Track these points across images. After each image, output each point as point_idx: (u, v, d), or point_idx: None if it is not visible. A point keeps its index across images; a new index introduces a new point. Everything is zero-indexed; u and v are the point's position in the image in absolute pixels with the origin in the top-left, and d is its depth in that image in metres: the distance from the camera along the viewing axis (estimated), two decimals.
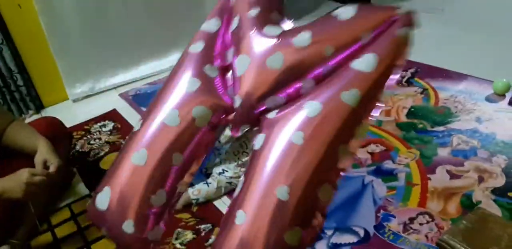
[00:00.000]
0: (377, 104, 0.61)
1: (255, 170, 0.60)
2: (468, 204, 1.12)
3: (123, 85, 2.02)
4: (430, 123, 1.46)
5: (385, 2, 2.55)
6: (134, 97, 1.92)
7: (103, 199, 0.66)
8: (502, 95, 1.53)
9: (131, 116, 1.72)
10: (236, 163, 1.20)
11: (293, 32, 0.63)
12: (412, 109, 1.54)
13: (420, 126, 1.45)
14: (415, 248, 1.02)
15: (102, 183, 0.68)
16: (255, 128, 0.68)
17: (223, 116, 0.67)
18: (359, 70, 0.60)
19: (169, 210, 0.67)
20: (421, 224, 1.08)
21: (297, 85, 0.62)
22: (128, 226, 0.65)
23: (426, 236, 1.04)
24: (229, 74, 0.70)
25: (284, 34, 0.64)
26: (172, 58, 2.14)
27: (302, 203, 0.57)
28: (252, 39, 0.65)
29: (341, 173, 0.59)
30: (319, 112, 0.59)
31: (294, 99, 0.63)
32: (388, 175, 1.24)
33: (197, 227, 1.12)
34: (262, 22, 0.65)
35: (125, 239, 0.65)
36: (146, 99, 1.92)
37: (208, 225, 1.12)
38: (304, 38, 0.61)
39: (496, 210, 1.08)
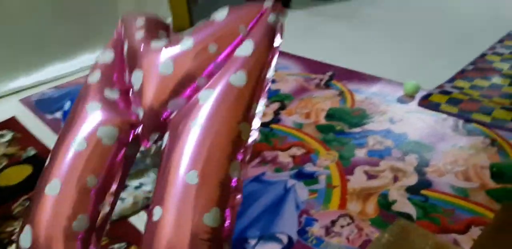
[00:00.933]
0: (266, 82, 0.67)
1: (165, 166, 0.60)
2: (385, 204, 1.15)
3: (25, 89, 1.83)
4: (348, 124, 1.49)
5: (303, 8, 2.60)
6: (38, 102, 1.75)
7: (25, 238, 0.62)
8: (412, 97, 1.61)
9: (33, 124, 1.56)
10: (155, 177, 1.12)
11: (176, 40, 0.68)
12: (330, 112, 1.57)
13: (338, 128, 1.47)
14: None
15: (22, 223, 0.65)
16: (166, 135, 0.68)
17: (132, 132, 0.68)
18: (240, 55, 0.66)
19: (97, 234, 0.65)
20: (342, 226, 1.09)
21: (193, 85, 0.66)
22: None
23: (348, 239, 1.05)
24: (130, 94, 0.72)
25: (168, 44, 0.68)
26: (81, 59, 1.99)
27: (213, 184, 0.57)
28: (142, 54, 0.68)
29: (248, 150, 0.62)
30: (211, 97, 0.63)
31: (192, 97, 0.66)
32: (309, 178, 1.24)
33: (110, 247, 1.02)
34: (148, 39, 0.70)
35: None
36: (51, 104, 1.75)
37: (123, 244, 1.03)
38: (187, 42, 0.67)
39: (410, 209, 1.12)
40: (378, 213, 1.12)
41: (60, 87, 1.90)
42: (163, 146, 0.65)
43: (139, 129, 0.67)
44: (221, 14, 0.70)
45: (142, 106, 0.65)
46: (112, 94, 0.70)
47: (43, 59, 1.88)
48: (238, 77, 0.65)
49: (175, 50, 0.67)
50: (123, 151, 0.66)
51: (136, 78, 0.67)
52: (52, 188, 0.63)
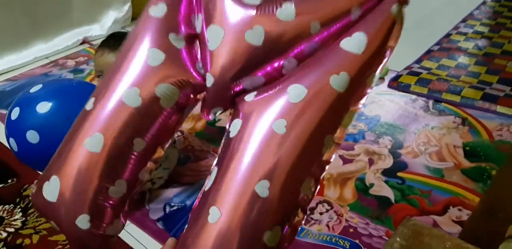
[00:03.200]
0: (366, 90, 0.54)
1: (231, 161, 0.52)
2: (362, 188, 1.13)
3: None
4: None
5: None
6: None
7: (51, 189, 0.55)
8: (382, 79, 1.59)
9: None
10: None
11: (275, 2, 0.53)
12: None
13: None
14: (318, 239, 0.99)
15: (48, 171, 0.56)
16: (229, 111, 0.59)
17: (192, 96, 0.57)
18: (349, 51, 0.52)
19: (129, 201, 0.58)
20: (321, 213, 1.06)
21: (278, 64, 0.54)
22: (83, 222, 0.55)
23: (327, 226, 1.03)
24: (196, 45, 0.59)
25: (264, 4, 0.54)
26: (34, 49, 1.87)
27: (283, 200, 0.50)
28: (227, 7, 0.55)
29: (326, 166, 0.52)
30: (304, 98, 0.51)
31: (274, 80, 0.55)
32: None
33: None
34: None
35: (80, 235, 0.55)
36: (4, 99, 1.63)
37: None
38: (287, 11, 0.52)
39: (388, 192, 1.11)
40: (357, 197, 1.10)
41: (13, 79, 1.78)
42: (230, 131, 0.55)
43: (200, 96, 0.58)
44: None
45: (211, 72, 0.55)
46: (177, 42, 0.57)
47: None
48: (340, 80, 0.52)
49: (270, 15, 0.53)
50: (176, 117, 0.57)
51: (214, 36, 0.55)
52: (94, 143, 0.54)
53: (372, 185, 1.14)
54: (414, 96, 1.49)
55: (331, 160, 0.52)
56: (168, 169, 1.15)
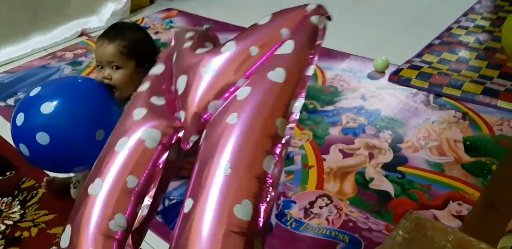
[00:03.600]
0: (305, 79, 0.65)
1: (201, 159, 0.60)
2: (362, 182, 1.13)
3: None
4: (320, 103, 1.45)
5: None
6: None
7: (64, 238, 0.63)
8: (382, 72, 1.59)
9: None
10: None
11: (220, 46, 0.70)
12: None
13: (311, 106, 1.43)
14: (317, 233, 0.99)
15: (66, 222, 0.65)
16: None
17: (175, 136, 0.68)
18: (280, 53, 0.66)
19: (134, 237, 0.64)
20: (320, 207, 1.06)
21: (234, 87, 0.65)
22: None
23: (327, 219, 1.02)
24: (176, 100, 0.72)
25: (212, 50, 0.71)
26: (32, 41, 1.86)
27: (245, 175, 0.56)
28: (186, 60, 0.70)
29: (284, 143, 0.60)
30: (249, 93, 0.62)
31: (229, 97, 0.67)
32: (285, 159, 1.20)
33: None
34: (194, 48, 0.72)
35: None
36: (3, 91, 1.63)
37: None
38: (229, 45, 0.68)
39: (388, 186, 1.11)
40: (356, 192, 1.10)
41: (12, 71, 1.76)
42: (200, 143, 0.64)
43: (181, 133, 0.68)
44: (264, 18, 0.71)
45: (184, 109, 0.67)
46: (159, 101, 0.71)
47: None
48: (277, 74, 0.64)
49: (216, 53, 0.68)
50: (165, 155, 0.66)
51: (181, 83, 0.69)
52: (95, 188, 0.63)
53: (372, 179, 1.13)
54: (414, 90, 1.48)
55: (288, 138, 0.61)
56: None
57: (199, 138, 0.67)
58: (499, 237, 0.77)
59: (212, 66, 0.66)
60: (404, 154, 1.21)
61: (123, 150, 0.65)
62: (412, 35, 1.87)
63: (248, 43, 0.68)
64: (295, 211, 1.05)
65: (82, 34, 2.06)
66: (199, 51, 0.72)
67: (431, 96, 1.45)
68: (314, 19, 0.69)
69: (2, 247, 1.01)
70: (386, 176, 1.14)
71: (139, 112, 0.69)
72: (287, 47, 0.67)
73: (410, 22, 2.00)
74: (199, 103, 0.66)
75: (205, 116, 0.66)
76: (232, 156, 0.57)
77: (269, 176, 0.57)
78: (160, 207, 1.08)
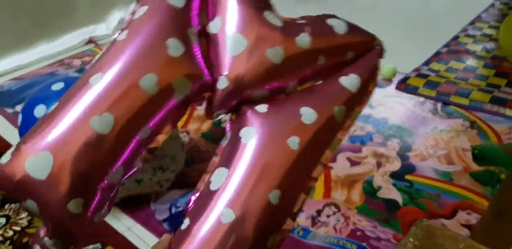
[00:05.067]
0: (351, 123, 0.64)
1: (245, 165, 0.55)
2: (370, 190, 1.12)
3: None
4: None
5: None
6: None
7: (40, 166, 0.50)
8: (390, 80, 1.58)
9: None
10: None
11: (295, 29, 0.62)
12: None
13: None
14: (324, 242, 0.98)
15: (34, 144, 0.51)
16: (231, 116, 0.63)
17: (200, 93, 0.59)
18: (346, 87, 0.62)
19: (117, 189, 0.57)
20: (328, 215, 1.06)
21: (285, 83, 0.61)
22: (76, 206, 0.51)
23: (334, 228, 1.02)
24: (204, 44, 0.61)
25: (286, 28, 0.61)
26: (40, 49, 1.87)
27: (286, 208, 0.55)
28: (252, 21, 0.60)
29: (314, 184, 0.58)
30: (315, 121, 0.58)
31: (275, 94, 0.61)
32: None
33: (83, 247, 0.95)
34: (260, 7, 0.62)
35: (67, 220, 0.52)
36: (11, 98, 1.63)
37: (97, 245, 0.96)
38: (305, 40, 0.61)
39: (396, 195, 1.10)
40: (364, 200, 1.09)
41: (19, 78, 1.78)
42: (241, 137, 0.57)
43: (206, 94, 0.59)
44: (341, 27, 0.66)
45: (227, 76, 0.58)
46: (193, 37, 0.59)
47: None
48: (340, 111, 0.61)
49: (291, 40, 0.60)
50: (180, 110, 0.58)
51: (235, 43, 0.59)
52: (102, 124, 0.52)
53: (380, 188, 1.13)
54: (422, 99, 1.48)
55: (318, 178, 0.60)
56: (175, 172, 1.14)
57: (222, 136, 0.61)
58: (508, 246, 0.76)
59: (281, 53, 0.59)
60: (412, 162, 1.21)
61: (148, 91, 0.54)
62: (419, 43, 1.87)
63: (322, 49, 0.63)
64: (302, 219, 1.04)
65: (89, 41, 2.08)
66: (268, 16, 0.62)
67: (439, 105, 1.44)
68: (378, 62, 0.67)
69: None
70: (394, 184, 1.13)
71: (176, 46, 0.57)
72: (353, 83, 0.63)
73: (417, 30, 2.00)
74: (249, 82, 0.58)
75: (245, 97, 0.59)
76: (283, 185, 0.55)
77: (296, 209, 0.56)
78: (167, 215, 1.08)
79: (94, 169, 0.52)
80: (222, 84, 0.58)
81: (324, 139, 0.59)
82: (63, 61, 1.92)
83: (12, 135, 1.36)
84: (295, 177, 0.56)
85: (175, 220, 1.07)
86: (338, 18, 0.68)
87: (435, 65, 1.65)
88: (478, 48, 1.75)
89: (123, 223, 1.05)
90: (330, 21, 0.66)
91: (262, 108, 0.59)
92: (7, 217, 1.11)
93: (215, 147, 1.32)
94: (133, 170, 0.57)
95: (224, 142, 0.61)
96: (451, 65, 1.64)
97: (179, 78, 0.56)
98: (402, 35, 1.95)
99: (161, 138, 0.58)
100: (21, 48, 1.84)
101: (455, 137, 1.29)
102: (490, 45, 1.77)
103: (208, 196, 0.55)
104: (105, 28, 2.16)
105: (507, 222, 0.96)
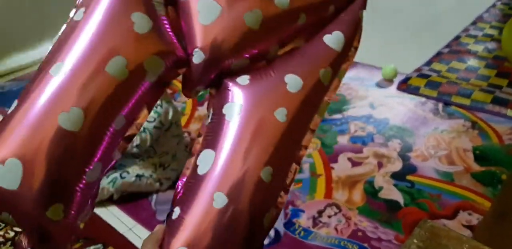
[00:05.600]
0: (339, 83, 0.60)
1: (232, 146, 0.51)
2: (371, 191, 1.12)
3: None
4: (328, 111, 1.45)
5: None
6: None
7: (9, 175, 0.45)
8: (391, 81, 1.58)
9: None
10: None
11: None
12: None
13: None
14: (326, 242, 0.98)
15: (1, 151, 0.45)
16: (210, 90, 0.57)
17: (174, 70, 0.53)
18: (330, 47, 0.58)
19: (98, 186, 0.53)
20: (329, 216, 1.05)
21: (265, 48, 0.55)
22: (56, 212, 0.47)
23: (336, 229, 1.02)
24: (172, 14, 0.55)
25: None
26: (42, 50, 1.87)
27: (278, 184, 0.52)
28: None
29: (305, 152, 0.56)
30: (301, 88, 0.55)
31: (256, 62, 0.56)
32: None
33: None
34: None
35: (48, 227, 0.48)
36: (11, 98, 1.63)
37: (98, 245, 0.96)
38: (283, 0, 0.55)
39: (397, 195, 1.10)
40: (365, 201, 1.09)
41: (20, 79, 1.78)
42: (224, 114, 0.53)
43: (181, 71, 0.54)
44: None
45: (201, 48, 0.52)
46: (159, 7, 0.52)
47: (1, 50, 1.75)
48: (326, 74, 0.57)
49: (269, 1, 0.54)
50: (154, 91, 0.53)
51: (207, 10, 0.52)
52: (71, 120, 0.47)
53: (381, 188, 1.13)
54: (423, 99, 1.48)
55: (308, 145, 0.56)
56: (176, 171, 1.14)
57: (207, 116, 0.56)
58: (510, 246, 0.76)
59: (259, 16, 0.54)
60: (413, 163, 1.20)
61: (119, 77, 0.49)
62: (420, 44, 1.87)
63: (301, 6, 0.57)
64: (304, 220, 1.04)
65: None
66: None
67: (440, 105, 1.44)
68: (361, 14, 0.62)
69: None
70: (395, 185, 1.13)
71: (142, 21, 0.50)
72: (337, 41, 0.59)
73: (418, 30, 2.00)
74: (227, 51, 0.53)
75: (224, 69, 0.54)
76: (273, 161, 0.52)
77: (288, 181, 0.54)
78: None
79: (69, 171, 0.47)
80: (198, 57, 0.52)
81: (312, 105, 0.56)
82: None
83: None
84: (286, 150, 0.53)
85: None
86: None
87: (436, 65, 1.65)
88: (479, 48, 1.75)
89: (124, 224, 1.05)
90: None
91: (244, 79, 0.55)
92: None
93: None
94: (112, 163, 0.52)
95: (207, 121, 0.56)
96: (452, 65, 1.64)
97: (150, 57, 0.50)
98: (403, 36, 1.95)
99: (138, 123, 0.53)
100: (24, 48, 1.85)
101: (456, 138, 1.29)
102: (491, 45, 1.76)
103: (197, 181, 0.51)
104: None
105: (509, 223, 0.96)
